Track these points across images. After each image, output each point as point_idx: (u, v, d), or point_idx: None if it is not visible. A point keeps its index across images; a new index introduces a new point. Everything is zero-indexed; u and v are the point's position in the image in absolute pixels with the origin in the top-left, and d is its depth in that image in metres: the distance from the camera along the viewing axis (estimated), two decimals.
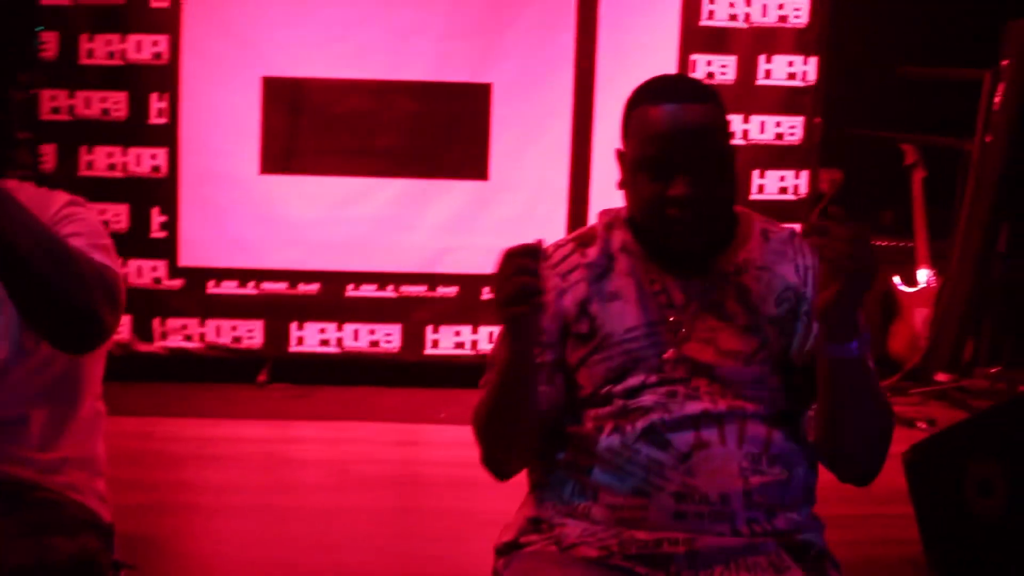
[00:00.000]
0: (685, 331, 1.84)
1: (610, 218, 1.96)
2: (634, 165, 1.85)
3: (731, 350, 1.83)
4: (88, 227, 2.20)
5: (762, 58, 4.78)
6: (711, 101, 1.84)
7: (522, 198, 4.86)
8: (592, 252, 1.91)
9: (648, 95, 1.86)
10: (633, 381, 1.83)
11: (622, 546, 1.89)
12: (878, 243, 5.43)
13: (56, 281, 1.96)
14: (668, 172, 1.80)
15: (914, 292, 5.39)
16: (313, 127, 4.82)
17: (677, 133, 1.80)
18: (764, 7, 4.75)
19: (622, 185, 1.87)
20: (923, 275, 5.39)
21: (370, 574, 3.00)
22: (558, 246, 1.95)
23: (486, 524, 2.91)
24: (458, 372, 4.81)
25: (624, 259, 1.90)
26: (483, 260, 4.57)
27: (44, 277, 1.95)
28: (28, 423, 2.13)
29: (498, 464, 1.94)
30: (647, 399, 1.82)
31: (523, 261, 1.65)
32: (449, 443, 4.20)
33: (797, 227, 2.89)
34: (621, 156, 1.90)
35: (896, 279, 5.42)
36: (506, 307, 1.67)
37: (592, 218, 4.52)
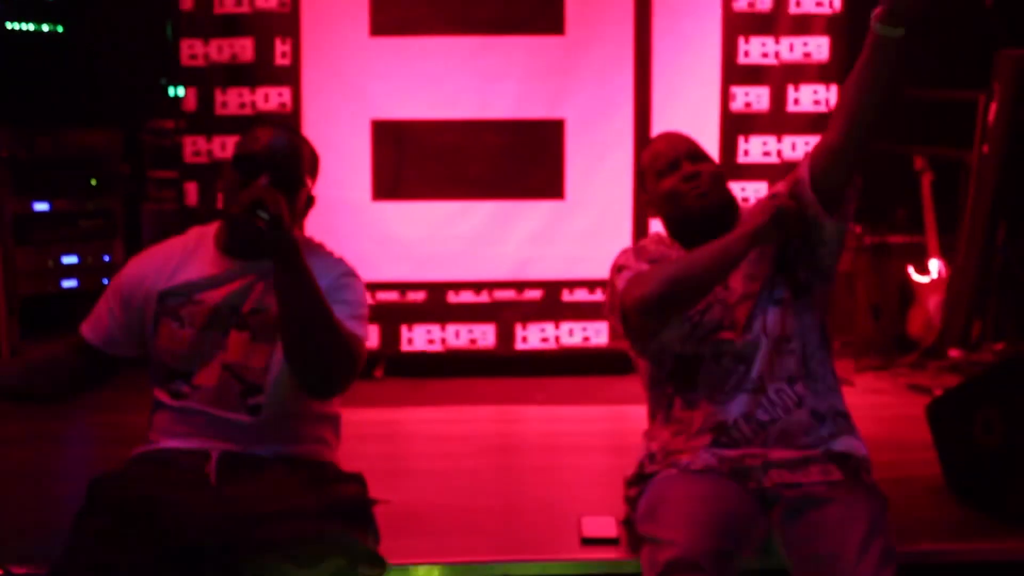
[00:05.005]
0: None
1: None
2: (656, 176, 2.79)
3: None
4: (355, 298, 2.57)
5: (791, 88, 5.17)
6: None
7: (593, 214, 5.23)
8: None
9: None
10: None
11: (720, 462, 2.62)
12: (893, 239, 5.88)
13: (321, 346, 2.29)
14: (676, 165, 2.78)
15: (927, 281, 5.65)
16: (415, 160, 5.20)
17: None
18: (791, 46, 5.14)
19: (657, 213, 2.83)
20: (934, 265, 5.67)
21: (476, 509, 3.35)
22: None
23: (573, 473, 3.64)
24: (544, 363, 5.30)
25: None
26: (562, 267, 5.31)
27: (312, 340, 2.30)
28: (293, 420, 2.58)
29: (667, 306, 2.64)
30: None
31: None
32: (543, 419, 4.65)
33: None
34: (648, 199, 2.87)
35: (911, 269, 5.71)
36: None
37: (653, 228, 5.14)
